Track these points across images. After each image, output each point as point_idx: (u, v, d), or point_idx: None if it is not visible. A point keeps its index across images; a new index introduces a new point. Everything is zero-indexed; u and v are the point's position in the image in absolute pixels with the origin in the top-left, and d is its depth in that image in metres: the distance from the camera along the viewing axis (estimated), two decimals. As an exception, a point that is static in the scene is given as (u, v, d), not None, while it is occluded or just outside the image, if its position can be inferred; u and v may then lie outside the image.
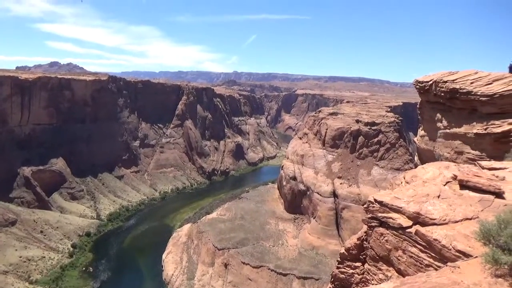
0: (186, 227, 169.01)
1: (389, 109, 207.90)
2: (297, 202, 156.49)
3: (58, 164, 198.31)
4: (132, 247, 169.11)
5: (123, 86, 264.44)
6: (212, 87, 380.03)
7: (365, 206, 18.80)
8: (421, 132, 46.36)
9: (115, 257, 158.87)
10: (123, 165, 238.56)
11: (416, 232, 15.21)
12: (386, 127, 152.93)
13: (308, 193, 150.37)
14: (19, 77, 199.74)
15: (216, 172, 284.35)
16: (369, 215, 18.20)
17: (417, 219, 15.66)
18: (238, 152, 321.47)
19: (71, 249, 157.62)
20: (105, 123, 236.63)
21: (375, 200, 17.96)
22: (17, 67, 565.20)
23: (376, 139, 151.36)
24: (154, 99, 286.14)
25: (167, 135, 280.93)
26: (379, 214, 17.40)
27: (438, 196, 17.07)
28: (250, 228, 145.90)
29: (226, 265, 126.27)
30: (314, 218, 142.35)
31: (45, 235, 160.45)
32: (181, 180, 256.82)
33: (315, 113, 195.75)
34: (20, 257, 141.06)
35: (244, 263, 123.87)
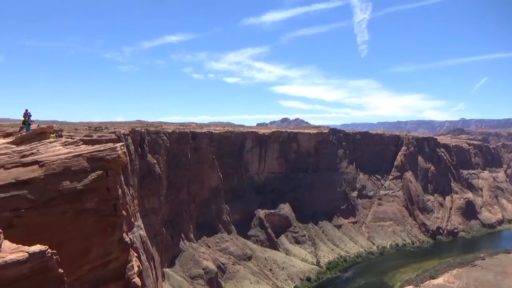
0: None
1: None
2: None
3: (285, 209, 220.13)
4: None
5: (342, 137, 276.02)
6: (434, 137, 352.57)
7: None
8: None
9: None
10: (341, 214, 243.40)
11: None
12: None
13: None
14: (258, 132, 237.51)
15: (442, 232, 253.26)
16: None
17: None
18: (469, 211, 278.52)
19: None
20: (325, 173, 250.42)
21: None
22: (257, 124, 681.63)
23: None
24: (372, 150, 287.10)
25: (385, 187, 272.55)
26: None
27: None
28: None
29: None
30: None
31: (273, 273, 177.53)
32: (401, 236, 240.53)
33: None
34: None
35: None
